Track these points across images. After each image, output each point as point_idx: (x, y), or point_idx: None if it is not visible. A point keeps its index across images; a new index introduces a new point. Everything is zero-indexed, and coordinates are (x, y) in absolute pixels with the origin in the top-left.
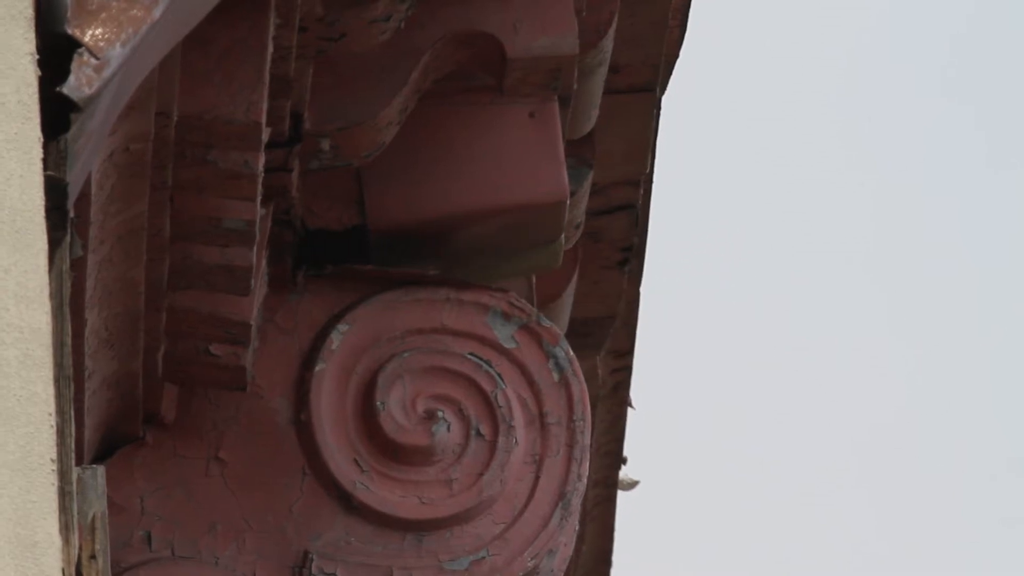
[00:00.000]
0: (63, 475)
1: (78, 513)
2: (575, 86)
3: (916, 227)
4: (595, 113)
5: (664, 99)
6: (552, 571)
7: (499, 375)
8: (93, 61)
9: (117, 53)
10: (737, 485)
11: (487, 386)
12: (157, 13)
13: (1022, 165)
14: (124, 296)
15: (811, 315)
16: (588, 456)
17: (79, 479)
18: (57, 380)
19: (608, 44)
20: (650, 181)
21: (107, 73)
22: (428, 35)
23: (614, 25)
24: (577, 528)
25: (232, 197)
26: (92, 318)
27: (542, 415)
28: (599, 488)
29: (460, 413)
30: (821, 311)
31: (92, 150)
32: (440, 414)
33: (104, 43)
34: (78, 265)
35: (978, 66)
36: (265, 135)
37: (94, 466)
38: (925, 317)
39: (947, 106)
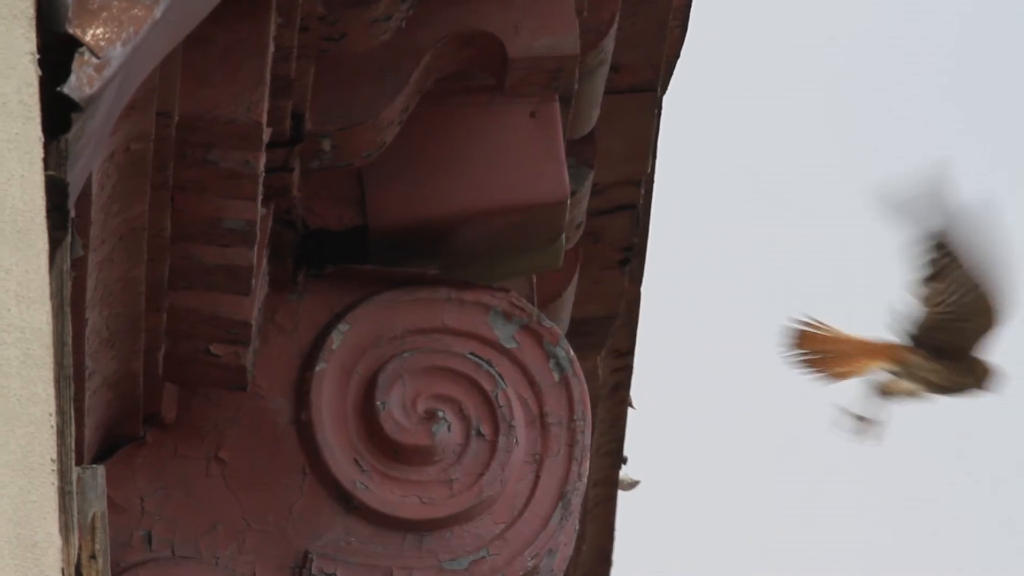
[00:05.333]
0: (63, 475)
1: (78, 513)
2: (576, 86)
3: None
4: (596, 113)
5: (665, 99)
6: (552, 571)
7: (500, 375)
8: (94, 61)
9: (118, 53)
10: (738, 484)
11: (488, 386)
12: (158, 12)
13: (1018, 164)
14: (125, 296)
15: (811, 314)
16: (588, 456)
17: (79, 479)
18: (57, 380)
19: (609, 44)
20: (651, 181)
21: (108, 73)
22: (429, 35)
23: (615, 25)
24: (577, 528)
25: (233, 197)
26: (93, 318)
27: (542, 415)
28: (599, 488)
29: (460, 413)
30: (822, 310)
31: (93, 150)
32: (440, 414)
33: (105, 43)
34: (79, 265)
35: (975, 69)
36: (266, 135)
37: (94, 466)
38: None
39: (946, 108)
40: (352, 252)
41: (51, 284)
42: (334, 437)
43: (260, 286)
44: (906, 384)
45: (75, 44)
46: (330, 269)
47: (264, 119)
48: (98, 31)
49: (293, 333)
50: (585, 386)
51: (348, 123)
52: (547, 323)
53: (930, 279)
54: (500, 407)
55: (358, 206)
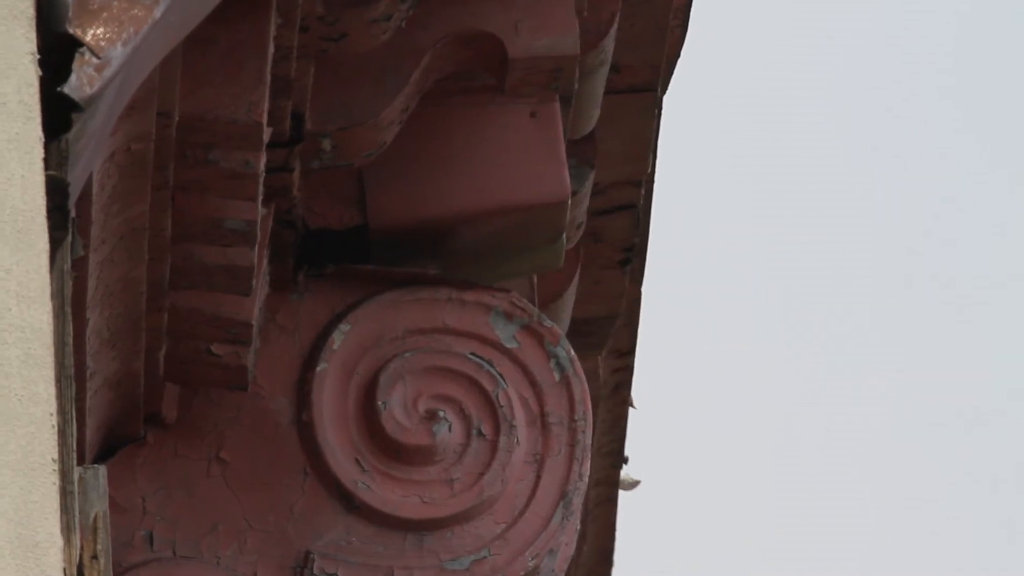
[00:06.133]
0: (64, 475)
1: (80, 513)
2: (576, 86)
3: (917, 228)
4: (596, 113)
5: (665, 99)
6: (553, 571)
7: (500, 375)
8: (94, 61)
9: (118, 53)
10: (738, 484)
11: (488, 386)
12: (158, 13)
13: (1018, 163)
14: (125, 296)
15: (812, 315)
16: (589, 456)
17: (81, 479)
18: (59, 380)
19: (609, 44)
20: (651, 181)
21: (108, 73)
22: (429, 35)
23: (615, 25)
24: (578, 528)
25: (233, 197)
26: (94, 318)
27: (543, 415)
28: (600, 488)
29: (461, 413)
30: (822, 310)
31: (93, 150)
32: (441, 414)
33: (105, 43)
34: (79, 265)
35: (974, 68)
36: (266, 135)
37: (96, 466)
38: (927, 318)
39: (945, 107)
40: (353, 252)
41: (52, 284)
42: (335, 437)
43: (261, 286)
44: None
45: (75, 44)
46: (331, 269)
47: (264, 119)
48: (98, 31)
49: (294, 333)
50: (586, 386)
51: (348, 123)
52: (548, 323)
53: None
54: (501, 407)
55: (358, 206)
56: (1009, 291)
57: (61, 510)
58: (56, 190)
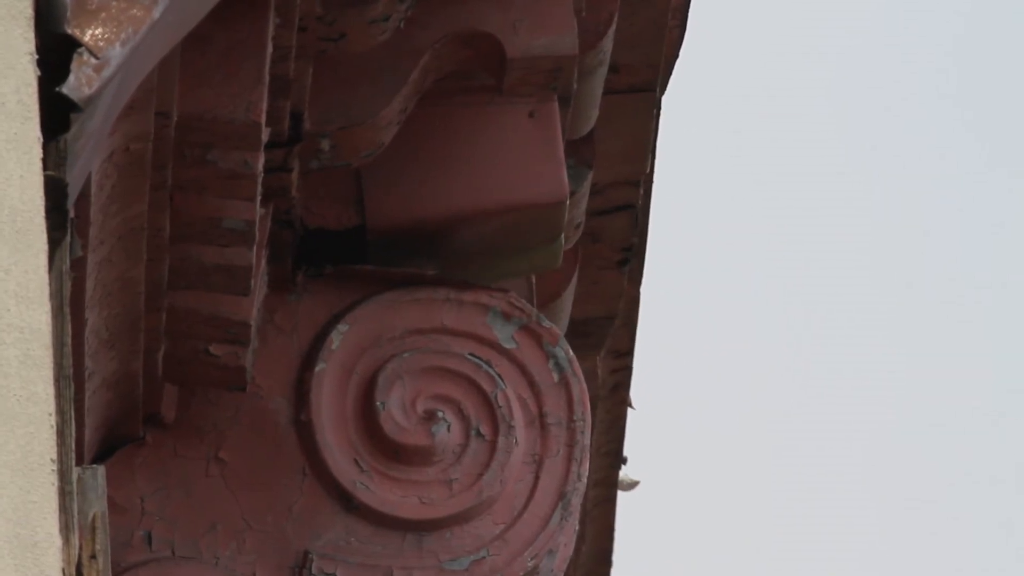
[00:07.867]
0: (63, 475)
1: (78, 513)
2: (575, 86)
3: (917, 227)
4: (595, 113)
5: (664, 99)
6: (552, 571)
7: (499, 375)
8: (93, 61)
9: (117, 53)
10: (737, 484)
11: (487, 386)
12: (157, 13)
13: (1017, 163)
14: (124, 296)
15: (812, 315)
16: (588, 456)
17: (79, 479)
18: (57, 380)
19: (608, 44)
20: (650, 181)
21: (107, 73)
22: (428, 35)
23: (614, 25)
24: (577, 528)
25: (232, 197)
26: (92, 318)
27: (542, 415)
28: (599, 488)
29: (460, 413)
30: (822, 310)
31: (92, 150)
32: (440, 414)
33: (104, 43)
34: (78, 265)
35: (974, 67)
36: (265, 135)
37: (94, 466)
38: (927, 318)
39: (946, 108)
40: (351, 252)
41: (50, 284)
42: (334, 437)
43: (259, 286)
44: None
45: (74, 44)
46: (329, 269)
47: (263, 119)
48: (97, 31)
49: (292, 333)
50: (584, 386)
51: (347, 123)
52: (546, 323)
53: None
54: (499, 407)
55: (357, 206)
56: (1009, 291)
57: (60, 510)
58: (55, 190)
